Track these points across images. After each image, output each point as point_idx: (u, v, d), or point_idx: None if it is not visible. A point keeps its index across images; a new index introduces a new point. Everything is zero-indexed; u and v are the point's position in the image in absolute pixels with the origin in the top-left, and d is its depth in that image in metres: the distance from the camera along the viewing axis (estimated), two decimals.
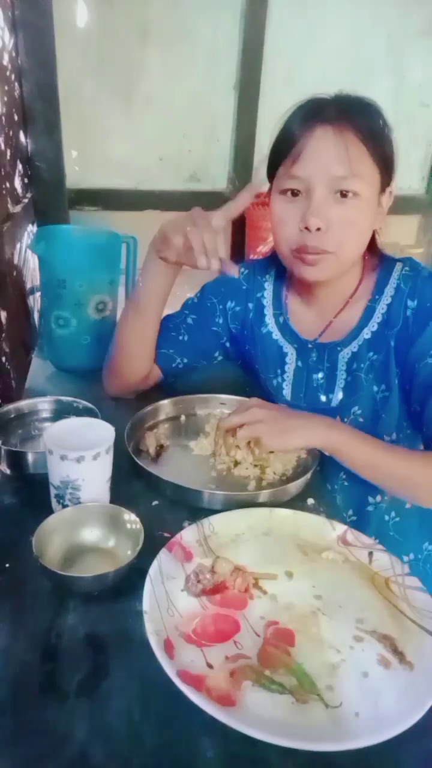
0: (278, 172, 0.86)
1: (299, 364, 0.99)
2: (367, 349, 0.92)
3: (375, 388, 0.92)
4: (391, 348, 0.90)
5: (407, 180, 3.13)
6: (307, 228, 0.82)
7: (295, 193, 0.84)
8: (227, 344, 1.07)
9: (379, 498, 0.97)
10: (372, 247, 0.92)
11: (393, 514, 0.98)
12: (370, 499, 0.97)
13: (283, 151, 0.84)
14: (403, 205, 3.06)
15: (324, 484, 0.94)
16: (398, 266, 0.92)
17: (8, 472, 0.84)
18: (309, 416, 0.86)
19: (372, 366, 0.92)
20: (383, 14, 2.73)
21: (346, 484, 0.97)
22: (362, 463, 0.83)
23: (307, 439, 0.84)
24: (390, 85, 2.85)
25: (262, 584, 0.66)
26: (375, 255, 0.95)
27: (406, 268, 0.92)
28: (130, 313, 0.99)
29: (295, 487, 0.83)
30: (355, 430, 0.85)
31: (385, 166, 0.84)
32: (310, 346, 0.98)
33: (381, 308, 0.91)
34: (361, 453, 0.82)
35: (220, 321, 1.05)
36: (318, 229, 0.82)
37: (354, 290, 0.94)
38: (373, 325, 0.92)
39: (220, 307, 1.05)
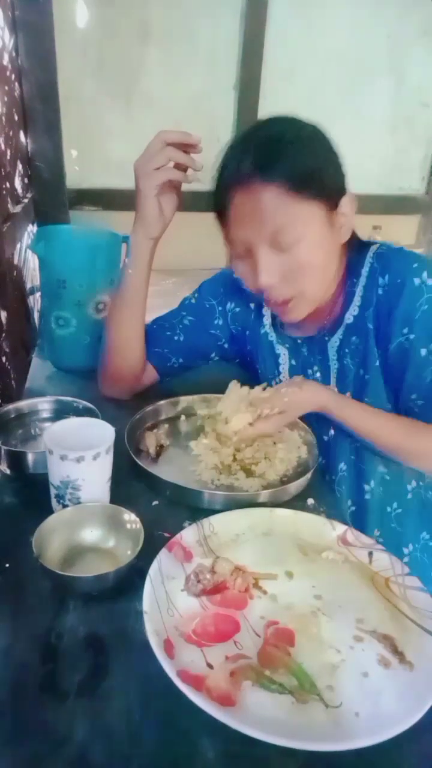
0: (223, 231, 0.87)
1: (293, 362, 1.00)
2: (350, 333, 0.92)
3: (361, 372, 0.92)
4: (371, 330, 0.89)
5: (407, 180, 3.13)
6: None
7: (240, 254, 0.85)
8: (225, 345, 1.07)
9: (372, 483, 0.96)
10: (350, 241, 0.89)
11: (395, 505, 0.98)
12: (366, 487, 0.97)
13: (216, 213, 0.85)
14: (403, 205, 3.07)
15: (324, 484, 0.93)
16: (373, 247, 0.92)
17: (8, 472, 0.84)
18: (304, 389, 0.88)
19: (356, 350, 0.92)
20: (383, 14, 2.72)
21: (345, 475, 0.97)
22: (353, 418, 0.87)
23: (300, 412, 0.88)
24: (390, 85, 2.84)
25: (262, 584, 0.66)
26: (354, 246, 0.93)
27: (382, 248, 0.91)
28: (118, 307, 0.99)
29: (295, 487, 0.83)
30: (342, 396, 0.89)
31: (325, 190, 0.80)
32: (299, 341, 0.98)
33: (359, 291, 0.91)
34: (350, 411, 0.87)
35: (220, 323, 1.05)
36: (272, 284, 0.82)
37: (340, 282, 0.93)
38: (354, 309, 0.91)
39: (220, 308, 1.05)
